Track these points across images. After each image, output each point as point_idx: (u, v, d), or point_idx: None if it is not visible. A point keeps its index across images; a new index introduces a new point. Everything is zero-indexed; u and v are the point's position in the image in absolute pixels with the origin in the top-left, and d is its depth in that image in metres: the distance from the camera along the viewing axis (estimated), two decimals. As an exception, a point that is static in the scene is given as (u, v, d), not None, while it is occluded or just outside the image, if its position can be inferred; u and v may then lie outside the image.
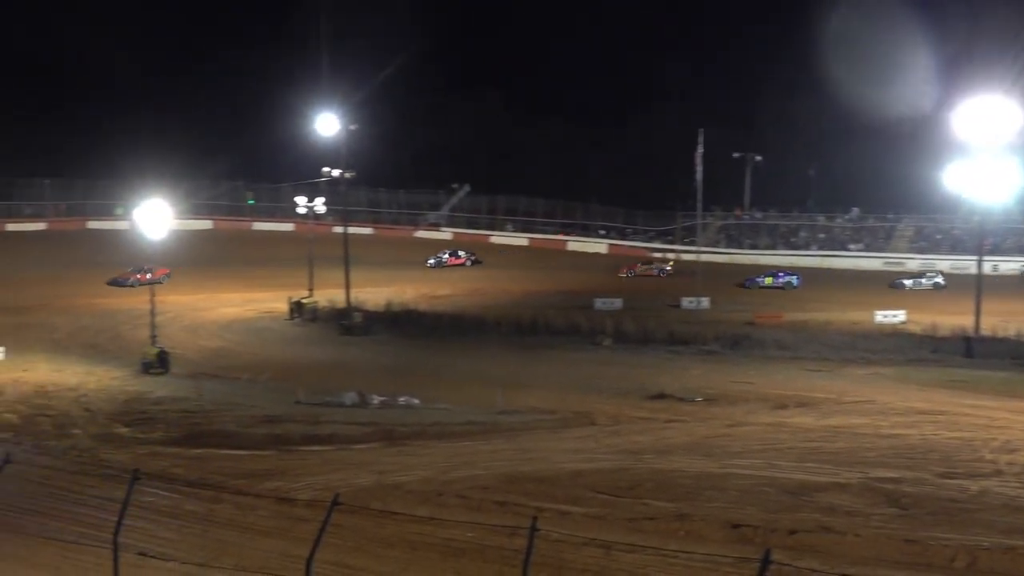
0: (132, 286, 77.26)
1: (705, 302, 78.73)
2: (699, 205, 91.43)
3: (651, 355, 62.61)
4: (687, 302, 78.83)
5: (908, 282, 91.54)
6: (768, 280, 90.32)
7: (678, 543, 26.16)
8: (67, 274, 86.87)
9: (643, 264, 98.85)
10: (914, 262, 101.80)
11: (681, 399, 49.48)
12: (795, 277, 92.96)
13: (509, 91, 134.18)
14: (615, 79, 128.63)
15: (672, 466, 35.46)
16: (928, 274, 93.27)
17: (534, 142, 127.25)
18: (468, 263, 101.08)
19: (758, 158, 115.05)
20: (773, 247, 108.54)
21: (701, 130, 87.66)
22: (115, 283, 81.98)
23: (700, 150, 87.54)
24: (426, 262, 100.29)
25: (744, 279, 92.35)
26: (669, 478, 33.65)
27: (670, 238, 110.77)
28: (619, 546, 21.70)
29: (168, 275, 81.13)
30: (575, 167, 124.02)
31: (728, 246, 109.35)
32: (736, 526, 27.32)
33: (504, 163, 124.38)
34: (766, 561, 11.63)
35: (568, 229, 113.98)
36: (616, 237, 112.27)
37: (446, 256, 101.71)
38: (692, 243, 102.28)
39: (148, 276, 76.54)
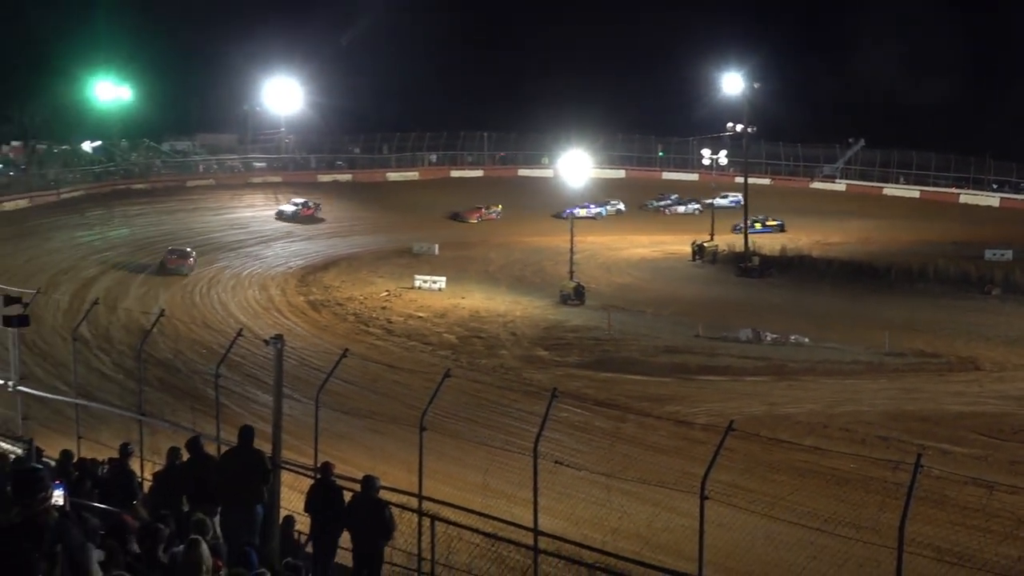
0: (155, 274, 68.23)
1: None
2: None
3: (1041, 306, 58.75)
4: (1082, 255, 73.03)
5: None
6: (582, 212, 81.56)
7: (1061, 489, 24.63)
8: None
9: (485, 209, 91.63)
10: None
11: (1072, 350, 46.47)
12: (603, 209, 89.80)
13: (907, 47, 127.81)
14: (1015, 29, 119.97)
15: (1059, 414, 33.47)
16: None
17: (930, 96, 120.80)
18: (315, 213, 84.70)
19: None
20: None
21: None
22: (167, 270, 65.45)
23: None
24: (279, 213, 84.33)
25: None
26: (1055, 426, 31.80)
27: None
28: (1002, 487, 20.64)
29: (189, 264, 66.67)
30: (971, 121, 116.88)
31: None
32: (1126, 478, 25.47)
33: (901, 118, 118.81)
34: None
35: (960, 183, 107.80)
36: (1010, 192, 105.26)
37: (300, 207, 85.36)
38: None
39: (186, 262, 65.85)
